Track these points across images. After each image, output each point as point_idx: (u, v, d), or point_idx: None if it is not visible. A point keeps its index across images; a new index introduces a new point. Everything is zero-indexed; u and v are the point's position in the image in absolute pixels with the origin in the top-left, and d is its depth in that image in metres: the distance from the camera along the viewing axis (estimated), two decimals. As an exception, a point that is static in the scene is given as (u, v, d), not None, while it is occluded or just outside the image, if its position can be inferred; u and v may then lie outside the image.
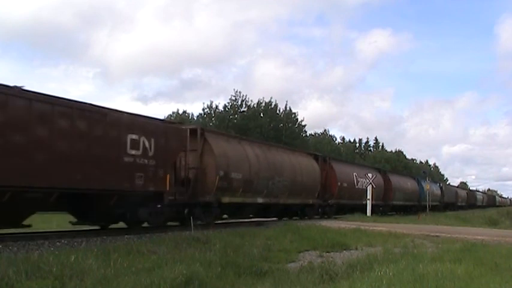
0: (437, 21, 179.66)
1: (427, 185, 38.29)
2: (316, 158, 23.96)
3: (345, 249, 11.64)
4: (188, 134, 14.89)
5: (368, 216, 25.16)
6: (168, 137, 13.56)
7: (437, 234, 15.05)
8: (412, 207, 35.87)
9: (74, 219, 12.43)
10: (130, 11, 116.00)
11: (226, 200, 15.93)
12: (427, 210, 35.51)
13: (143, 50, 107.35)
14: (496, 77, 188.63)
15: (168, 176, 13.43)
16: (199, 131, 15.61)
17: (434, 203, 41.90)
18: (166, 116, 49.48)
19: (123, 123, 12.25)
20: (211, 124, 46.18)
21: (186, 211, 14.83)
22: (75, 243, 9.88)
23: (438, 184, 51.59)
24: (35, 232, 11.49)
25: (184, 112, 55.51)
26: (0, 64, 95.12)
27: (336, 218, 22.92)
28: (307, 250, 11.34)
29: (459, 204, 56.83)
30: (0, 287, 5.76)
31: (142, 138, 12.69)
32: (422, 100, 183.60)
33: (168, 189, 13.42)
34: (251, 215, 19.21)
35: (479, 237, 13.61)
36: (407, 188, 36.33)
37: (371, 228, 16.18)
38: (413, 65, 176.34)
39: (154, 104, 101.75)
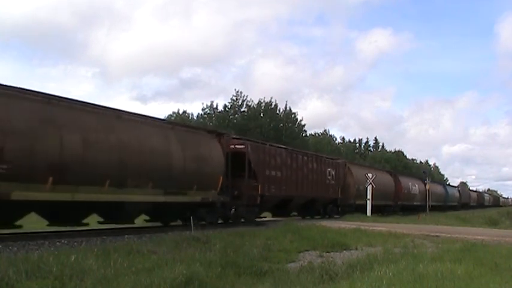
0: (438, 20, 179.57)
1: (428, 185, 38.60)
2: (390, 173, 36.15)
3: (345, 249, 11.63)
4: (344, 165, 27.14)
5: (368, 216, 25.18)
6: (339, 168, 25.61)
7: (437, 234, 15.04)
8: (441, 206, 46.75)
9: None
10: (128, 10, 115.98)
11: (358, 202, 27.09)
12: (427, 210, 35.59)
13: (142, 49, 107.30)
14: (496, 76, 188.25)
15: (339, 189, 25.11)
16: (346, 163, 28.08)
17: (454, 204, 53.55)
18: (166, 116, 49.46)
19: (326, 163, 24.24)
20: (211, 124, 46.11)
21: (339, 209, 25.59)
22: (75, 243, 9.89)
23: (457, 188, 64.48)
24: (35, 232, 11.51)
25: (184, 112, 55.46)
26: (0, 63, 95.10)
27: (338, 218, 23.14)
28: (307, 250, 11.33)
29: (471, 204, 67.89)
30: (0, 287, 5.76)
31: (332, 170, 24.38)
32: (423, 100, 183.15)
33: (340, 196, 25.15)
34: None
35: (479, 237, 13.59)
36: (437, 192, 47.14)
37: (371, 228, 16.17)
38: (414, 65, 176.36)
39: (153, 104, 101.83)
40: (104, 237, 11.18)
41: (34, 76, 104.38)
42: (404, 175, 41.97)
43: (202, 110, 50.81)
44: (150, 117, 14.20)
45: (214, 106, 50.25)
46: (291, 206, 21.52)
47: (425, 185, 39.56)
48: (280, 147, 20.87)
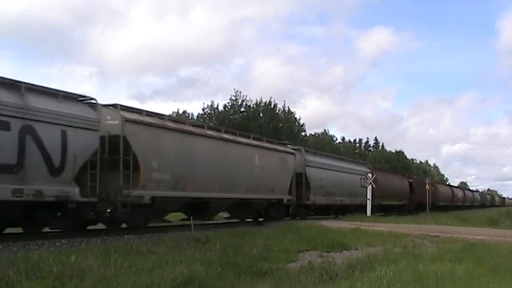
0: (439, 20, 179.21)
1: (427, 185, 38.75)
2: (449, 186, 52.35)
3: (345, 249, 11.62)
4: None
5: (368, 216, 25.17)
6: (434, 183, 47.21)
7: (437, 234, 15.04)
8: (470, 206, 65.93)
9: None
10: (124, 8, 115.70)
11: (440, 204, 42.51)
12: (427, 210, 35.65)
13: (139, 47, 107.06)
14: (496, 76, 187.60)
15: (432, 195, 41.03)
16: (433, 182, 44.23)
17: (477, 204, 74.72)
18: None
19: (423, 181, 40.28)
20: (211, 124, 46.01)
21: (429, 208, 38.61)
22: (75, 243, 9.90)
23: (478, 192, 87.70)
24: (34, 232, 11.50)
25: (185, 112, 55.43)
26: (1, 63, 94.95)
27: (339, 218, 23.16)
28: (307, 250, 11.32)
29: (487, 204, 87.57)
30: (0, 287, 5.76)
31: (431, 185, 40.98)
32: (423, 99, 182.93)
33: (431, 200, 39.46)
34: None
35: (479, 237, 13.59)
36: (470, 196, 71.92)
37: (371, 228, 16.17)
38: (415, 64, 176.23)
39: (151, 103, 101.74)
40: (104, 237, 11.19)
41: (34, 75, 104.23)
42: (455, 187, 68.49)
43: (203, 109, 50.82)
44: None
45: (215, 106, 50.24)
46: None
47: (464, 192, 65.97)
48: (396, 173, 43.86)
